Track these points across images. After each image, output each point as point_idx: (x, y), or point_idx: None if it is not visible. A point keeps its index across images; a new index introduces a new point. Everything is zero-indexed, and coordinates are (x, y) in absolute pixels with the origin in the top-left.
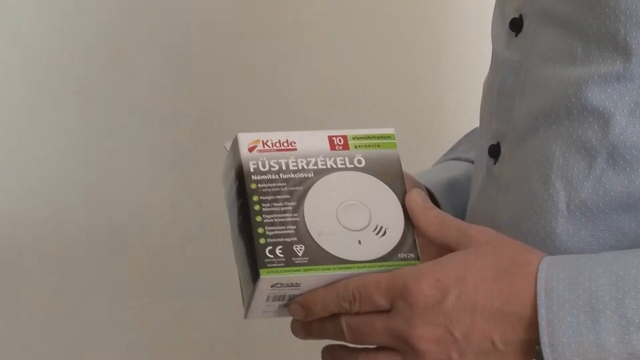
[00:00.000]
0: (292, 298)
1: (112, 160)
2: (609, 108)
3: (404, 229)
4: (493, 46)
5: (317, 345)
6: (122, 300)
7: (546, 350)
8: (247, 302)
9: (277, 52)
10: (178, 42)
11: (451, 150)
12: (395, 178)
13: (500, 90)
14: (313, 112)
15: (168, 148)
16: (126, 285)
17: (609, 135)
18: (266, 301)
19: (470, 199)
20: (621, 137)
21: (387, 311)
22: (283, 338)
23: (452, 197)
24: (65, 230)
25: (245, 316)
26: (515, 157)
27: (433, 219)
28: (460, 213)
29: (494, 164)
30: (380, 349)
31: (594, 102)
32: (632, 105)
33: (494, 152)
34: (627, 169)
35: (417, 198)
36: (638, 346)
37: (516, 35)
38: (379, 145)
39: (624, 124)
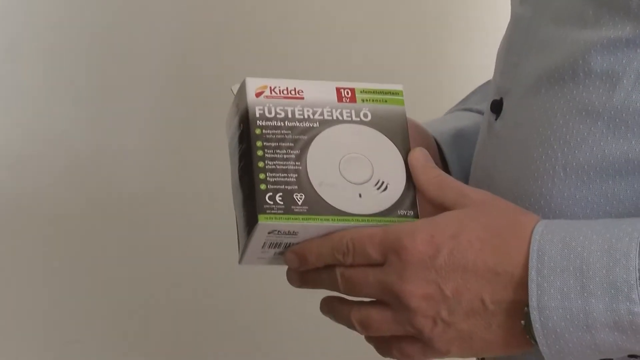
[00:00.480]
0: (288, 246)
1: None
2: (617, 72)
3: (405, 186)
4: (511, 1)
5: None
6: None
7: (534, 313)
8: (243, 247)
9: (279, 14)
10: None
11: (463, 100)
12: (400, 134)
13: (509, 45)
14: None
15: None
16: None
17: (613, 100)
18: (262, 247)
19: (475, 152)
20: (625, 102)
21: (380, 265)
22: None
23: (459, 148)
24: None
25: (240, 261)
26: (516, 116)
27: (433, 179)
28: (467, 164)
29: (496, 119)
30: (373, 303)
31: (602, 66)
32: (639, 70)
33: (497, 107)
34: (628, 134)
35: (419, 156)
36: (625, 315)
37: None
38: (386, 101)
39: (629, 89)
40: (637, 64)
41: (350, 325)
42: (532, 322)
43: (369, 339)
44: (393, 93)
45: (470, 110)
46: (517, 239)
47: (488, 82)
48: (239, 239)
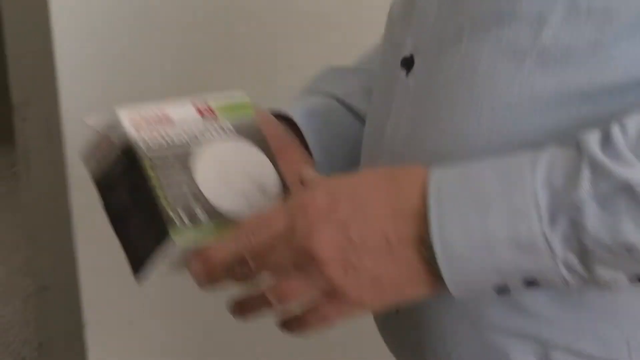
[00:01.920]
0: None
1: None
2: (544, 12)
3: (282, 184)
4: None
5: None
6: None
7: (435, 240)
8: (146, 267)
9: None
10: None
11: (304, 90)
12: (262, 139)
13: (419, 10)
14: None
15: None
16: None
17: (542, 37)
18: (164, 262)
19: (372, 115)
20: (554, 38)
21: (284, 233)
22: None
23: (313, 124)
24: None
25: (140, 280)
26: (433, 68)
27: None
28: (321, 139)
29: (406, 75)
30: (286, 273)
31: (528, 8)
32: (568, 5)
33: (408, 63)
34: (557, 68)
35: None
36: (524, 233)
37: None
38: (239, 111)
39: (558, 26)
40: (563, 1)
41: (268, 305)
42: (434, 248)
43: (285, 325)
44: (243, 104)
45: (318, 92)
46: (414, 177)
47: (330, 70)
48: (132, 261)
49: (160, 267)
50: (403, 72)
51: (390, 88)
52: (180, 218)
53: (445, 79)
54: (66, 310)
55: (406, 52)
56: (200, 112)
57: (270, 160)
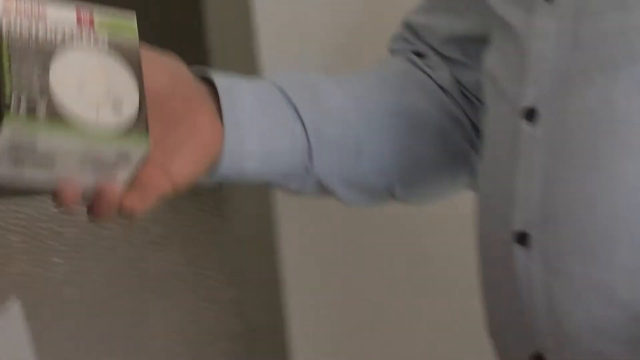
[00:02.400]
0: (30, 161)
1: None
2: None
3: (139, 110)
4: (503, 19)
5: None
6: None
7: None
8: None
9: None
10: None
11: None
12: (134, 62)
13: (537, 59)
14: None
15: None
16: None
17: None
18: (4, 157)
19: (484, 177)
20: None
21: None
22: None
23: (238, 92)
24: None
25: None
26: (563, 113)
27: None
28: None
29: (530, 126)
30: None
31: None
32: None
33: (530, 114)
34: None
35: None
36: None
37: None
38: (123, 32)
39: None
40: None
41: None
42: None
43: None
44: (128, 26)
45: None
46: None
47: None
48: None
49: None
50: (526, 124)
51: (512, 142)
52: (18, 105)
53: (580, 122)
54: (274, 354)
55: (526, 102)
56: (79, 19)
57: (137, 85)
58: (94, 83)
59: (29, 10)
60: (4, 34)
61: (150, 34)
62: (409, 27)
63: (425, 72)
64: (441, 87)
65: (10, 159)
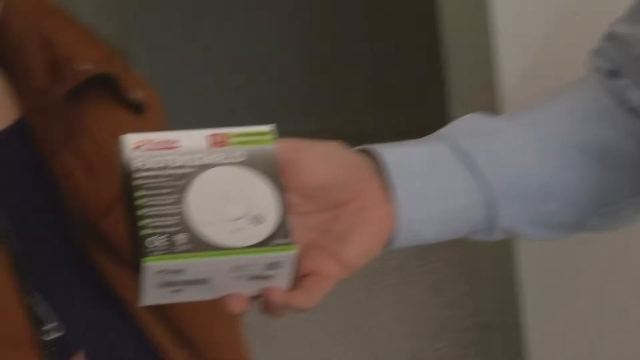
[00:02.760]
0: (185, 284)
1: None
2: None
3: (280, 217)
4: None
5: None
6: None
7: None
8: (140, 289)
9: None
10: None
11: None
12: (272, 170)
13: None
14: None
15: None
16: None
17: None
18: (156, 288)
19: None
20: None
21: None
22: None
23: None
24: None
25: (140, 302)
26: None
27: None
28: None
29: None
30: None
31: None
32: None
33: None
34: None
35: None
36: None
37: None
38: (257, 142)
39: None
40: None
41: None
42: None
43: None
44: (262, 134)
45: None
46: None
47: (475, 117)
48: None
49: (153, 290)
50: None
51: None
52: (158, 248)
53: None
54: (509, 351)
55: None
56: (211, 139)
57: (276, 189)
58: (232, 200)
59: (160, 143)
60: (135, 173)
61: (385, 23)
62: (612, 38)
63: (616, 96)
64: (635, 110)
65: (161, 286)
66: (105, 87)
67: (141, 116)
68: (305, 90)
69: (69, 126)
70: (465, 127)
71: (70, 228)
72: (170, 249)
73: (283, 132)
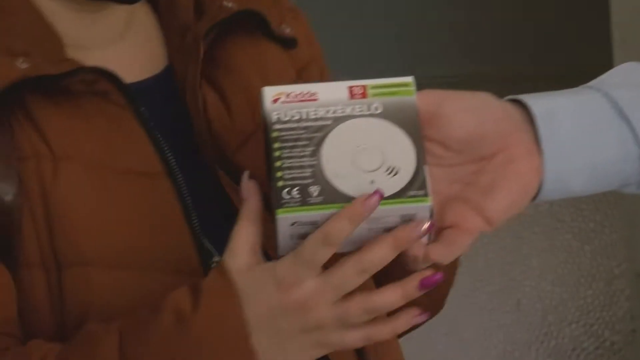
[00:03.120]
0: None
1: None
2: None
3: (416, 168)
4: None
5: None
6: None
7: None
8: (275, 241)
9: None
10: None
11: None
12: (410, 122)
13: None
14: None
15: None
16: None
17: None
18: (291, 239)
19: None
20: None
21: None
22: None
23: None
24: None
25: (277, 253)
26: None
27: None
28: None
29: None
30: None
31: None
32: None
33: None
34: None
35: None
36: None
37: None
38: (396, 93)
39: None
40: None
41: None
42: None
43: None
44: (403, 85)
45: (592, 87)
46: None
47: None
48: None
49: (287, 242)
50: None
51: None
52: (292, 199)
53: None
54: None
55: None
56: (351, 91)
57: (413, 141)
58: (368, 152)
59: (298, 96)
60: (273, 125)
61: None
62: None
63: None
64: None
65: (294, 236)
66: (253, 24)
67: (291, 51)
68: (462, 31)
69: (211, 63)
70: (621, 76)
71: (207, 161)
72: (304, 201)
73: (437, 76)
